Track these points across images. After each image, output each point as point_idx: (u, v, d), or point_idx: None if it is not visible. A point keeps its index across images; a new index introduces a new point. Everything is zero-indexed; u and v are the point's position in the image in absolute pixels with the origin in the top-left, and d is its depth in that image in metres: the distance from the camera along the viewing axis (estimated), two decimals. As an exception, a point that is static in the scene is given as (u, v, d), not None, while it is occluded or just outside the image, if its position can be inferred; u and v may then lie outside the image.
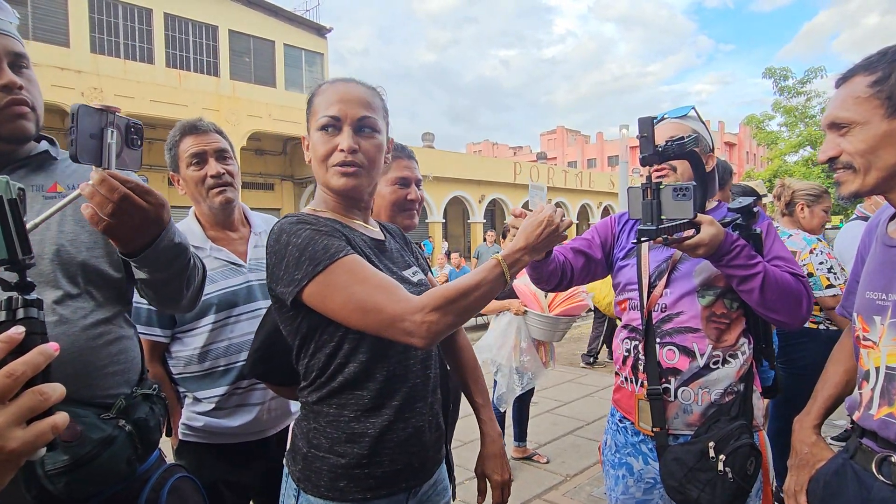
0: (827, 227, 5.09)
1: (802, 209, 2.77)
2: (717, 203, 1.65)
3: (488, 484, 1.39)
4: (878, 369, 1.09)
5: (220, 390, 1.62)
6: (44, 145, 1.16)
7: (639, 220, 1.40)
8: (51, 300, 1.04)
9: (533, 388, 3.60)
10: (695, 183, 1.32)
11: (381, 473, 1.11)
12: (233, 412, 1.64)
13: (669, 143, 1.36)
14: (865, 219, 2.65)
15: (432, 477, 1.24)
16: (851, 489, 1.11)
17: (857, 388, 1.16)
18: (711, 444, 1.39)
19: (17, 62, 1.06)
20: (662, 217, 1.33)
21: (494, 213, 25.13)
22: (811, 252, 2.53)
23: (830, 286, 2.47)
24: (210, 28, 15.63)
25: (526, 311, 3.35)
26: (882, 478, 1.05)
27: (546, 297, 3.34)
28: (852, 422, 1.16)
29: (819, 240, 2.60)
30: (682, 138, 1.38)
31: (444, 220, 22.07)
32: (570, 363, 6.60)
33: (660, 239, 1.35)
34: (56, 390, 0.56)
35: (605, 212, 30.46)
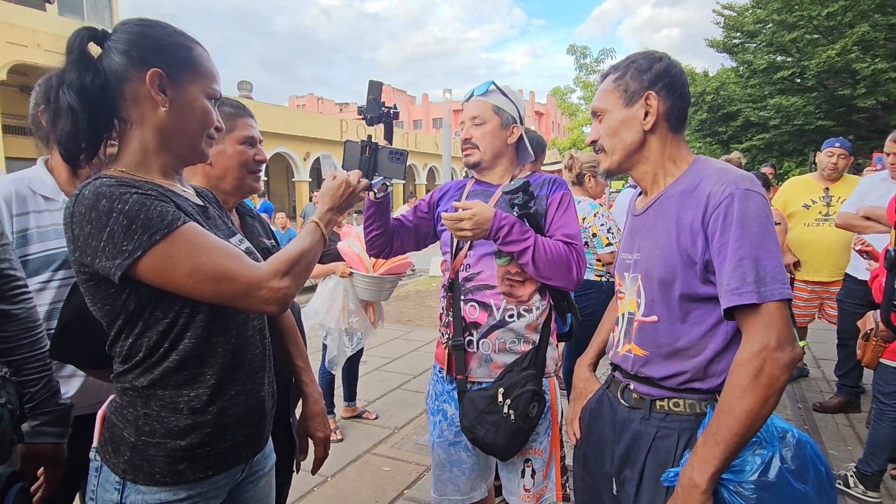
0: (612, 191, 5.96)
1: (589, 179, 3.21)
2: (529, 173, 1.84)
3: (310, 442, 1.47)
4: (623, 315, 1.34)
5: None
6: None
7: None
8: None
9: (362, 349, 3.67)
10: (406, 150, 1.54)
11: (224, 448, 1.08)
12: (67, 379, 1.47)
13: (387, 109, 1.59)
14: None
15: (268, 444, 1.25)
16: (606, 413, 1.37)
17: (612, 332, 1.42)
18: (501, 390, 1.59)
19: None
20: (376, 173, 1.54)
21: (321, 171, 24.31)
22: (595, 215, 2.98)
23: (609, 244, 2.95)
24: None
25: (352, 272, 3.37)
26: (623, 402, 1.31)
27: (370, 257, 3.40)
28: (610, 362, 1.41)
29: (600, 205, 3.07)
30: (393, 107, 1.61)
31: (265, 178, 20.74)
32: (397, 321, 6.85)
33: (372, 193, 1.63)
34: None
35: (430, 173, 31.51)
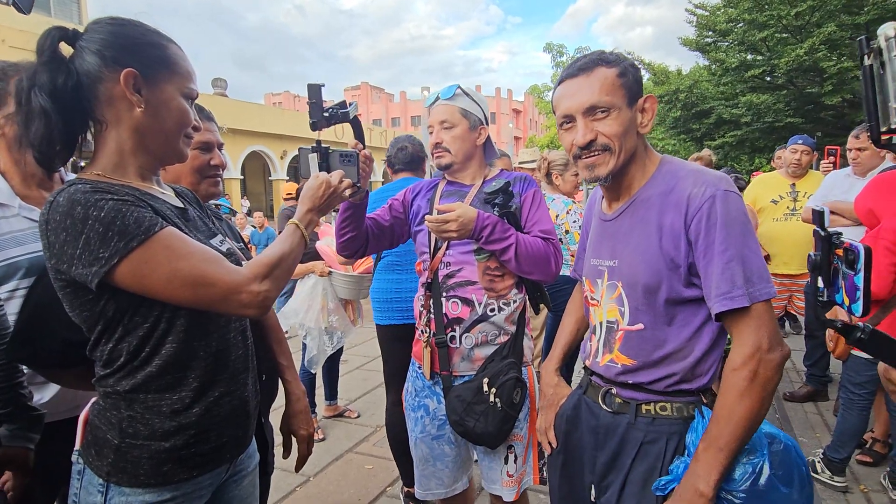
0: (589, 187, 6.03)
1: (557, 177, 3.26)
2: (498, 171, 1.89)
3: (293, 440, 1.48)
4: (601, 324, 1.31)
5: None
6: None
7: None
8: None
9: (342, 347, 3.67)
10: (357, 151, 1.47)
11: (208, 449, 1.08)
12: (43, 385, 1.42)
13: (334, 110, 1.51)
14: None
15: (251, 444, 1.26)
16: (585, 418, 1.34)
17: (587, 339, 1.40)
18: (485, 380, 1.63)
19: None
20: None
21: (298, 169, 24.08)
22: (567, 213, 3.04)
23: None
24: None
25: (331, 271, 3.36)
26: (605, 407, 1.29)
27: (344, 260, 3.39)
28: (584, 366, 1.39)
29: (573, 202, 3.12)
30: (345, 104, 1.53)
31: (242, 177, 20.48)
32: (378, 319, 6.81)
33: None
34: None
35: (410, 170, 31.39)
